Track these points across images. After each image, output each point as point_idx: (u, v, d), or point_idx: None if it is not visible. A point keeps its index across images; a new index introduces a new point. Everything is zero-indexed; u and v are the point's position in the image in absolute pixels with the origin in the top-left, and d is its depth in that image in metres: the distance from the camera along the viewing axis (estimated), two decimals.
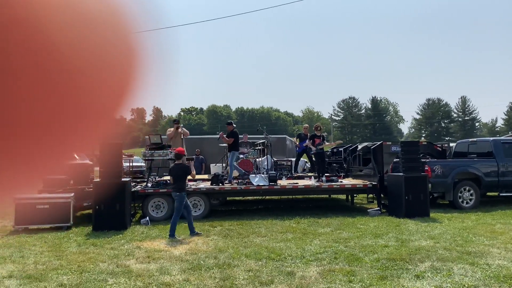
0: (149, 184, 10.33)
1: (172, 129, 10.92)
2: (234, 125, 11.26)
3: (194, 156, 16.12)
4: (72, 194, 8.95)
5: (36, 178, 0.47)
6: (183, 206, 7.71)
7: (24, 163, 0.44)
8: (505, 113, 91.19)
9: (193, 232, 7.74)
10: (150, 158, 10.23)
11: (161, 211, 9.81)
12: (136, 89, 0.51)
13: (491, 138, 12.16)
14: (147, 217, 9.41)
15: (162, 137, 10.66)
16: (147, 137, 10.97)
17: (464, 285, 4.69)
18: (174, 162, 8.22)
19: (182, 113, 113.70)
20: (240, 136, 11.40)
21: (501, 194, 11.05)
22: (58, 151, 0.47)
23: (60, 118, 0.45)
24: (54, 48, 0.42)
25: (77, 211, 9.98)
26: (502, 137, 15.52)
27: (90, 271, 5.46)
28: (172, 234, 7.53)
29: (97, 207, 8.47)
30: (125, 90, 0.50)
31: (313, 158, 12.81)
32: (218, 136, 11.53)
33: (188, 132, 11.16)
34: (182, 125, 11.21)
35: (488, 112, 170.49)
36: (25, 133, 0.43)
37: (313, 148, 11.27)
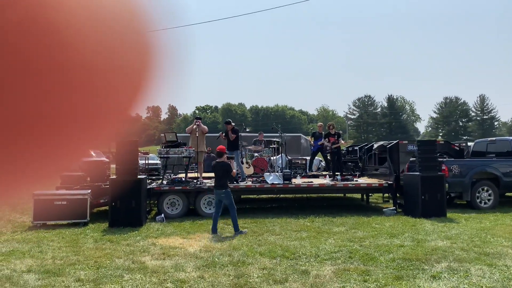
0: (165, 182, 10.41)
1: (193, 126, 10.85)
2: (233, 123, 11.33)
3: (205, 154, 16.20)
4: (89, 191, 9.08)
5: (53, 175, 0.47)
6: (233, 200, 7.77)
7: (41, 160, 0.45)
8: None
9: (237, 230, 7.66)
10: (165, 155, 10.30)
11: (176, 208, 9.88)
12: (151, 87, 0.51)
13: (511, 137, 11.92)
14: (162, 214, 9.49)
15: (178, 135, 10.73)
16: (163, 135, 11.05)
17: (482, 287, 4.61)
18: (216, 160, 8.14)
19: (197, 111, 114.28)
20: (255, 134, 11.41)
21: None
22: (74, 148, 0.47)
23: (76, 116, 0.45)
24: (69, 46, 0.42)
25: (94, 208, 10.12)
26: None
27: (107, 267, 5.53)
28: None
29: (113, 203, 8.57)
30: (140, 88, 0.50)
31: (329, 157, 12.75)
32: (217, 135, 11.57)
33: (206, 128, 11.05)
34: (200, 122, 11.02)
35: (508, 111, 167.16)
36: (42, 130, 0.43)
37: (328, 146, 11.23)
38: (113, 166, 9.81)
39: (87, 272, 5.32)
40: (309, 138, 16.59)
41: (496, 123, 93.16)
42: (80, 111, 0.45)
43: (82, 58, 0.43)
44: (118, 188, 8.52)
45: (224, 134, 11.33)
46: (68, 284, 4.91)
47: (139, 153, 11.67)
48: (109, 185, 8.89)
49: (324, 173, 13.08)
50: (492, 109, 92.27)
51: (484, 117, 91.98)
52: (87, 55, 0.43)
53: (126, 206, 8.49)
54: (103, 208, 10.41)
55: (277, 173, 10.88)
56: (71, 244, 6.97)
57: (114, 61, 0.46)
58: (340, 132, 12.25)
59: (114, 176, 9.00)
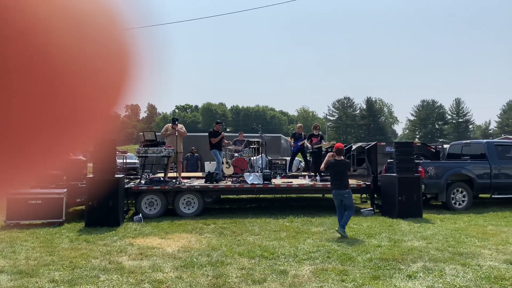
0: (143, 181, 10.29)
1: (169, 125, 10.75)
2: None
3: (189, 154, 16.11)
4: (65, 190, 8.89)
5: (30, 175, 0.46)
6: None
7: (20, 164, 0.44)
8: (498, 116, 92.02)
9: (344, 229, 7.34)
10: (144, 155, 10.18)
11: (154, 208, 9.77)
12: (131, 86, 0.50)
13: (484, 140, 12.23)
14: (140, 214, 9.38)
15: (157, 134, 10.61)
16: (141, 133, 10.92)
17: (456, 286, 4.71)
18: (334, 158, 7.63)
19: (176, 110, 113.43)
20: (236, 134, 11.43)
21: (493, 196, 11.13)
22: (53, 151, 0.46)
23: (54, 119, 0.44)
24: (46, 48, 0.41)
25: (70, 207, 9.92)
26: (495, 140, 15.62)
27: (82, 267, 5.43)
28: (344, 227, 7.28)
29: (90, 203, 8.43)
30: (120, 88, 0.49)
31: (308, 158, 12.83)
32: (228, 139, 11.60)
33: (185, 132, 10.99)
34: (178, 124, 10.99)
35: (482, 114, 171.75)
36: (21, 134, 0.42)
37: (309, 146, 11.31)
38: (90, 164, 9.63)
39: (62, 273, 5.21)
40: (289, 138, 16.67)
41: (470, 126, 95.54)
42: (60, 114, 0.44)
43: (57, 60, 0.42)
44: (95, 187, 8.38)
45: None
46: (42, 285, 4.79)
47: (117, 152, 11.49)
48: (86, 184, 8.74)
49: (303, 173, 13.16)
50: (467, 113, 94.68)
51: (460, 120, 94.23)
52: (63, 57, 0.42)
53: (103, 206, 8.36)
54: (80, 207, 10.22)
55: (257, 173, 10.89)
56: (45, 244, 6.82)
57: (94, 63, 0.45)
58: (324, 136, 12.38)
59: (91, 175, 8.84)
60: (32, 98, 0.42)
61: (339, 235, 7.32)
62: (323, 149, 12.04)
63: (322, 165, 7.77)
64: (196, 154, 16.12)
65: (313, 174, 11.73)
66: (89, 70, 0.45)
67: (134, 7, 0.49)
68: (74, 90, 0.44)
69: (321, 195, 13.86)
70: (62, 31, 0.42)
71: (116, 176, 8.86)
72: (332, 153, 7.88)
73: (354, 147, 12.44)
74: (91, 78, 0.45)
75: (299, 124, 13.84)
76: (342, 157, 7.60)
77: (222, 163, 11.60)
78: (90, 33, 0.45)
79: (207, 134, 11.70)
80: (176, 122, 10.68)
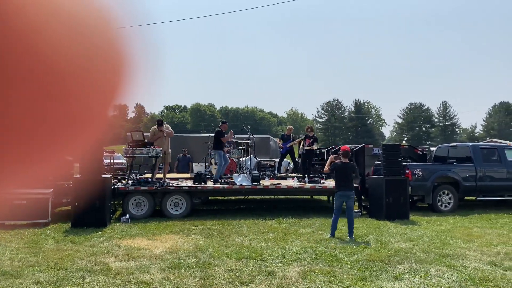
0: (130, 182, 10.21)
1: (155, 128, 10.67)
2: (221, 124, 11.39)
3: (180, 155, 16.04)
4: (51, 190, 8.78)
5: (25, 175, 0.46)
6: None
7: (13, 162, 0.44)
8: (484, 119, 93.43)
9: (352, 234, 7.42)
10: (131, 155, 10.11)
11: (142, 209, 9.70)
12: (126, 87, 0.50)
13: (470, 144, 12.41)
14: (127, 215, 9.31)
15: (145, 134, 10.54)
16: (129, 134, 10.83)
17: (441, 287, 4.77)
18: (340, 160, 7.61)
19: (165, 111, 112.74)
20: (226, 134, 11.37)
21: (478, 199, 11.29)
22: (48, 156, 0.46)
23: (48, 122, 0.44)
24: (40, 52, 0.41)
25: (56, 208, 9.80)
26: (480, 143, 15.85)
27: (68, 268, 5.36)
28: (351, 233, 7.36)
29: (76, 203, 8.33)
30: (115, 89, 0.49)
31: (297, 159, 12.88)
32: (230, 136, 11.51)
33: (172, 132, 10.93)
34: (166, 124, 10.96)
35: (468, 118, 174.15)
36: (15, 138, 0.42)
37: (303, 145, 11.39)
38: (76, 164, 9.53)
39: (47, 274, 5.14)
40: (278, 140, 16.70)
41: (457, 129, 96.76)
42: (56, 115, 0.44)
43: (55, 61, 0.42)
44: (81, 188, 8.30)
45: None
46: (27, 286, 4.72)
47: (104, 152, 11.39)
48: (73, 184, 8.64)
49: (292, 174, 13.19)
50: (453, 116, 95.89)
51: (446, 123, 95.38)
52: (59, 58, 0.42)
53: (89, 206, 8.28)
54: (66, 208, 10.10)
55: (245, 175, 10.89)
56: (30, 245, 6.72)
57: (88, 63, 0.45)
58: (317, 137, 12.43)
59: (78, 175, 8.75)
60: (27, 99, 0.41)
61: (327, 237, 7.37)
62: (314, 150, 12.11)
63: (326, 167, 7.76)
64: (188, 155, 16.06)
65: (301, 175, 11.78)
66: (84, 70, 0.45)
67: (125, 8, 0.49)
68: (69, 91, 0.44)
69: (309, 197, 13.92)
70: (57, 32, 0.42)
71: (103, 176, 8.78)
72: (334, 155, 7.94)
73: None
74: (86, 78, 0.45)
75: (290, 126, 13.89)
76: (347, 159, 7.63)
77: (211, 163, 11.58)
78: (84, 34, 0.45)
79: (196, 134, 11.66)
80: (162, 124, 10.59)
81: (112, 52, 0.48)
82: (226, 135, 11.01)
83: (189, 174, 13.34)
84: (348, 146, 8.46)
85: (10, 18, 0.39)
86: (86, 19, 0.45)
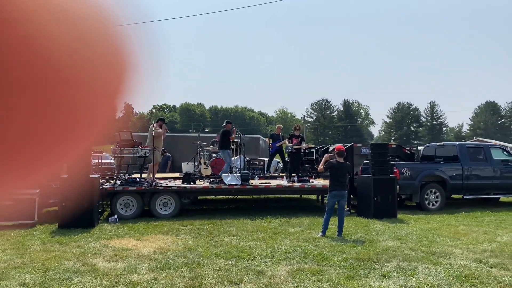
0: (118, 182, 10.13)
1: (156, 125, 10.69)
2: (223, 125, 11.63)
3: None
4: (38, 191, 8.67)
5: (28, 177, 0.45)
6: None
7: (16, 164, 0.43)
8: (471, 118, 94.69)
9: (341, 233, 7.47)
10: (119, 155, 10.03)
11: (130, 209, 9.63)
12: (129, 87, 0.50)
13: (457, 143, 12.56)
14: (116, 215, 9.24)
15: (133, 134, 10.48)
16: (117, 133, 10.75)
17: (428, 285, 4.82)
18: (336, 160, 7.62)
19: (154, 110, 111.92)
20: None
21: (464, 197, 11.43)
22: (51, 161, 0.46)
23: (52, 125, 0.44)
24: (45, 50, 0.41)
25: (43, 208, 9.68)
26: (467, 142, 16.07)
27: (55, 270, 5.30)
28: (340, 232, 7.41)
29: (63, 204, 8.24)
30: (118, 89, 0.49)
31: (286, 158, 12.90)
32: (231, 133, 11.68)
33: (168, 130, 11.22)
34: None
35: (455, 117, 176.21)
36: (18, 136, 0.42)
37: (289, 146, 11.39)
38: (64, 164, 9.41)
39: (33, 276, 5.07)
40: (267, 139, 16.70)
41: (444, 128, 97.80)
42: (59, 117, 0.44)
43: (58, 62, 0.42)
44: (69, 188, 8.21)
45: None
46: None
47: (92, 152, 11.28)
48: (60, 185, 8.54)
49: (281, 174, 13.22)
50: (441, 115, 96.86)
51: (434, 122, 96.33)
52: (59, 61, 0.42)
53: (77, 207, 8.17)
54: (53, 208, 9.99)
55: (235, 174, 10.88)
56: (16, 246, 6.63)
57: (91, 64, 0.45)
58: (304, 137, 12.49)
59: (65, 175, 8.65)
60: (30, 101, 0.41)
61: (316, 235, 7.41)
62: (302, 151, 12.14)
63: (321, 166, 7.77)
64: (167, 154, 15.99)
65: (289, 174, 11.80)
66: (87, 71, 0.45)
67: (123, 8, 0.49)
68: (72, 91, 0.44)
69: (298, 196, 13.96)
70: (60, 34, 0.42)
71: (91, 176, 8.70)
72: (329, 154, 8.00)
73: (331, 148, 12.57)
74: (89, 79, 0.45)
75: (279, 125, 13.90)
76: (342, 159, 7.68)
77: (200, 163, 11.55)
78: (86, 35, 0.44)
79: (185, 134, 11.70)
80: (164, 121, 10.93)
81: (113, 52, 0.48)
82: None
83: (178, 174, 13.27)
84: (341, 145, 8.49)
85: (12, 21, 0.39)
86: (86, 19, 0.45)
